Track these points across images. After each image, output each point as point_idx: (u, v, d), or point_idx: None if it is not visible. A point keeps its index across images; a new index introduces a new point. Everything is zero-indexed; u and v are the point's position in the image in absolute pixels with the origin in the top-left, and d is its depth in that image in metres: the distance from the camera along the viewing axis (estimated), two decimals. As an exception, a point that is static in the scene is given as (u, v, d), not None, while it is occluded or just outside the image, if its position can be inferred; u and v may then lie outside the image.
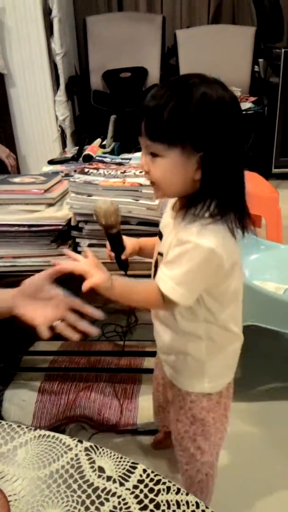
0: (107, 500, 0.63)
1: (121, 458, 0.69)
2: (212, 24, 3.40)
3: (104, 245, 0.93)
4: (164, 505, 0.62)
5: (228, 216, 0.75)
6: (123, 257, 0.89)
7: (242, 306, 0.90)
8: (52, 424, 1.36)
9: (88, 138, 1.99)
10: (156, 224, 0.94)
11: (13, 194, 1.26)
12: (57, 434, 0.73)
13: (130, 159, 1.44)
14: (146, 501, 0.62)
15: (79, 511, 0.61)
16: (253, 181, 2.14)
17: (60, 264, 0.80)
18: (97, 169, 1.28)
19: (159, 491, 0.64)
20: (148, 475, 0.66)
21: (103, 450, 0.70)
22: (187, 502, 0.62)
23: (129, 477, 0.66)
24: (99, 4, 3.39)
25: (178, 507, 0.61)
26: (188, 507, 0.61)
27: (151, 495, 0.63)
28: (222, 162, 0.71)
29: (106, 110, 2.81)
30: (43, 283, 0.80)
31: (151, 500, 0.62)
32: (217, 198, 0.74)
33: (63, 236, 1.24)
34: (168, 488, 0.64)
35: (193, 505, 0.62)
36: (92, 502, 0.62)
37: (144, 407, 1.34)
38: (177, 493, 0.63)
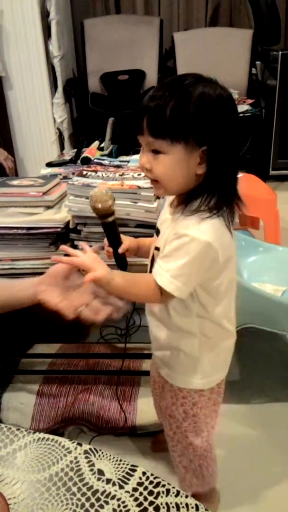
0: (107, 503, 0.63)
1: (121, 460, 0.69)
2: (209, 27, 3.42)
3: (102, 248, 0.93)
4: (163, 507, 0.62)
5: (223, 211, 0.77)
6: (120, 251, 0.89)
7: (235, 304, 0.91)
8: (50, 427, 1.36)
9: (86, 140, 1.99)
10: (154, 226, 0.94)
11: (12, 197, 1.26)
12: (56, 437, 0.73)
13: (128, 161, 1.45)
14: (146, 504, 0.62)
15: (78, 514, 0.61)
16: (251, 183, 2.16)
17: (62, 259, 0.81)
18: (96, 171, 1.28)
19: (158, 493, 0.64)
20: (147, 478, 0.66)
21: (102, 453, 0.70)
22: (187, 505, 0.62)
23: (129, 479, 0.66)
24: (96, 7, 3.40)
25: (178, 509, 0.61)
26: (187, 510, 0.61)
27: (150, 498, 0.63)
28: (224, 154, 0.74)
29: (104, 113, 2.82)
30: (69, 272, 0.83)
31: (151, 503, 0.62)
32: (217, 192, 0.76)
33: (62, 238, 1.24)
34: (168, 491, 0.64)
35: (192, 507, 0.62)
36: (92, 505, 0.62)
37: (143, 410, 1.34)
38: (176, 495, 0.63)
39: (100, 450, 0.70)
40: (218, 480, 1.13)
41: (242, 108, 2.96)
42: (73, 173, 1.50)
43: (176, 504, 0.62)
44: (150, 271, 0.85)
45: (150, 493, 0.64)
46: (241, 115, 2.90)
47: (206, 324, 0.87)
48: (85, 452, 0.70)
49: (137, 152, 1.39)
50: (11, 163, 2.06)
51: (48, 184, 1.29)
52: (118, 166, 1.38)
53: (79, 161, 1.70)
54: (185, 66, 3.13)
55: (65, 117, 2.98)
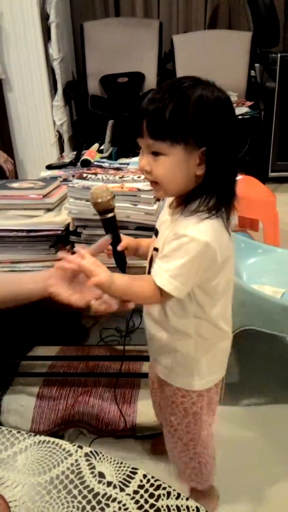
0: (108, 505, 0.63)
1: (121, 463, 0.69)
2: (208, 29, 3.43)
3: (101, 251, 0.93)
4: (164, 510, 0.62)
5: (222, 212, 0.78)
6: (119, 248, 0.89)
7: (233, 305, 0.92)
8: (50, 430, 1.36)
9: (86, 143, 1.99)
10: (154, 228, 0.95)
11: (12, 199, 1.26)
12: (57, 440, 0.73)
13: (128, 164, 1.45)
14: (147, 506, 0.62)
15: (79, 517, 0.61)
16: (250, 185, 2.16)
17: (66, 260, 0.81)
18: (96, 174, 1.29)
19: (159, 496, 0.64)
20: (148, 480, 0.66)
21: (103, 455, 0.70)
22: (188, 507, 0.62)
23: (130, 482, 0.66)
24: (96, 10, 3.40)
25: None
26: (188, 512, 0.61)
27: (151, 500, 0.63)
28: (222, 155, 0.75)
29: (104, 115, 2.82)
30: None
31: (152, 505, 0.62)
32: (217, 193, 0.77)
33: (62, 241, 1.24)
34: (169, 493, 0.64)
35: (193, 510, 0.62)
36: (93, 508, 0.62)
37: (143, 412, 1.34)
38: (177, 498, 0.63)
39: (100, 453, 0.70)
40: (218, 480, 1.13)
41: (241, 110, 2.97)
42: (73, 176, 1.51)
43: (177, 506, 0.62)
44: (149, 272, 0.86)
45: (151, 495, 0.64)
46: (240, 117, 2.91)
47: (203, 325, 0.88)
48: (86, 454, 0.70)
49: (136, 155, 1.39)
50: (11, 166, 2.07)
51: (48, 186, 1.30)
52: (118, 169, 1.38)
53: (79, 164, 1.71)
54: (184, 68, 3.14)
55: (64, 119, 2.98)
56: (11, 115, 2.90)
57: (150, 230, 1.15)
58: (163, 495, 0.64)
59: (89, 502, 0.63)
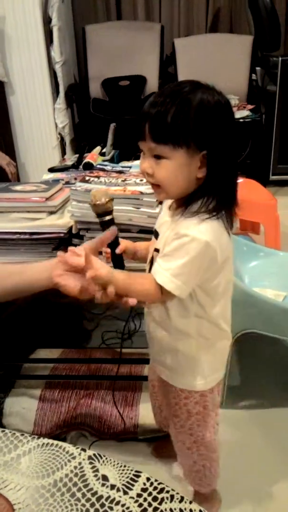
0: (111, 508, 0.63)
1: (125, 466, 0.69)
2: (210, 33, 3.44)
3: (100, 252, 0.93)
4: (168, 513, 0.62)
5: (222, 213, 0.79)
6: (118, 251, 0.90)
7: (232, 307, 0.93)
8: (53, 432, 1.36)
9: (88, 145, 2.00)
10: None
11: (15, 202, 1.27)
12: (60, 443, 0.73)
13: (130, 167, 1.46)
14: (150, 510, 0.62)
15: (83, 520, 0.62)
16: (251, 188, 2.17)
17: (65, 256, 0.80)
18: (98, 177, 1.29)
19: (162, 499, 0.64)
20: (151, 484, 0.66)
21: (106, 458, 0.70)
22: (191, 510, 0.62)
23: (133, 485, 0.66)
24: (98, 13, 3.42)
25: (182, 515, 0.62)
26: (192, 516, 0.62)
27: (155, 504, 0.63)
28: (223, 157, 0.77)
29: (105, 118, 2.83)
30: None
31: (155, 509, 0.63)
32: (217, 195, 0.78)
33: (64, 244, 1.24)
34: (172, 497, 0.64)
35: (196, 513, 0.62)
36: (96, 511, 0.63)
37: (144, 415, 1.34)
38: (180, 501, 0.64)
39: (104, 456, 0.71)
40: (219, 483, 1.13)
41: (242, 113, 2.97)
42: (75, 179, 1.51)
43: (180, 510, 0.62)
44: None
45: (154, 499, 0.64)
46: (241, 120, 2.92)
47: (204, 325, 0.89)
48: (89, 457, 0.70)
49: (138, 158, 1.40)
50: (13, 168, 2.07)
51: (51, 189, 1.30)
52: (120, 172, 1.39)
53: (81, 167, 1.71)
54: (185, 72, 3.15)
55: (66, 122, 2.99)
56: (13, 118, 2.91)
57: (153, 233, 1.15)
58: (167, 498, 0.64)
59: (92, 505, 0.63)
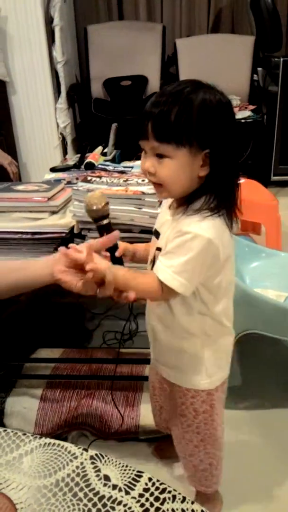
0: (113, 508, 0.63)
1: (127, 466, 0.69)
2: (211, 33, 3.44)
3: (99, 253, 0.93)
4: (170, 513, 0.62)
5: (223, 211, 0.80)
6: (117, 254, 0.90)
7: (234, 308, 0.94)
8: (54, 432, 1.36)
9: (89, 145, 2.00)
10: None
11: (17, 202, 1.27)
12: (62, 443, 0.73)
13: (132, 167, 1.46)
14: (152, 510, 0.62)
15: (85, 520, 0.62)
16: (252, 189, 2.17)
17: (67, 250, 0.80)
18: (100, 177, 1.29)
19: (164, 499, 0.64)
20: (153, 484, 0.66)
21: (108, 458, 0.70)
22: (193, 511, 0.62)
23: (135, 485, 0.66)
24: (100, 13, 3.42)
25: (184, 515, 0.62)
26: (193, 516, 0.62)
27: (156, 504, 0.63)
28: (225, 156, 0.77)
29: (107, 118, 2.83)
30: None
31: (157, 509, 0.63)
32: (219, 193, 0.79)
33: (66, 243, 1.23)
34: (174, 497, 0.64)
35: (198, 513, 0.62)
36: (98, 511, 0.63)
37: (145, 415, 1.34)
38: (182, 501, 0.64)
39: (106, 456, 0.71)
40: (221, 486, 1.13)
41: (243, 114, 2.98)
42: (77, 178, 1.51)
43: (182, 510, 0.62)
44: None
45: (156, 499, 0.64)
46: (242, 121, 2.92)
47: (207, 322, 0.89)
48: (91, 457, 0.70)
49: (140, 158, 1.40)
50: (15, 168, 2.07)
51: (53, 189, 1.30)
52: (122, 172, 1.39)
53: (82, 166, 1.71)
54: (187, 72, 3.15)
55: (68, 122, 3.00)
56: (15, 117, 2.91)
57: (153, 233, 1.15)
58: (169, 498, 0.64)
59: (94, 505, 0.63)
